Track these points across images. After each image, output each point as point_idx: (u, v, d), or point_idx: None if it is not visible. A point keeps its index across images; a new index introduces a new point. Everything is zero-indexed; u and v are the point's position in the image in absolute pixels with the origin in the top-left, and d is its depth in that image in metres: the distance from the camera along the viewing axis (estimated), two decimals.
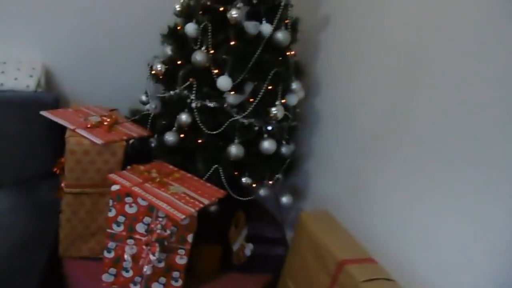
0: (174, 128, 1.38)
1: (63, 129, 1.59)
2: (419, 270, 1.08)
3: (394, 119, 1.24)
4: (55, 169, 1.33)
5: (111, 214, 1.18)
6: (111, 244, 1.22)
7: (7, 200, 1.45)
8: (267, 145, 1.38)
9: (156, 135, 1.47)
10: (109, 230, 1.20)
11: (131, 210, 1.18)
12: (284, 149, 1.50)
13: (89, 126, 1.27)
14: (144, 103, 1.58)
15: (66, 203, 1.26)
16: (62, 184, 1.29)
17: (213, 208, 1.45)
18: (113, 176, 1.19)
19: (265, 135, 1.40)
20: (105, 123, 1.32)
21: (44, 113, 1.31)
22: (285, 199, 1.57)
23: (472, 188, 0.97)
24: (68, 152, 1.20)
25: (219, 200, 1.40)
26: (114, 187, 1.16)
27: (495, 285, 0.91)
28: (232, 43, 1.32)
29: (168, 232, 1.18)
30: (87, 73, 1.78)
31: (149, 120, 1.49)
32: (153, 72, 1.45)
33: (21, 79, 1.58)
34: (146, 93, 1.57)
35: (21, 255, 1.21)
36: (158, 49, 1.58)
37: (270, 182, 1.53)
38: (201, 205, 1.17)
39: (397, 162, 1.21)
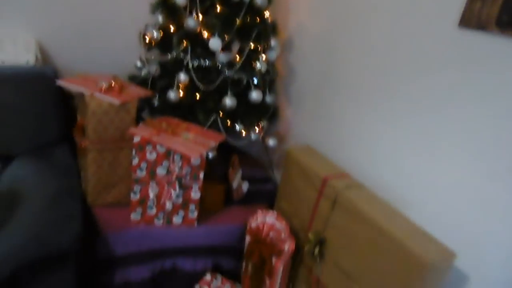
0: (174, 87, 1.60)
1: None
2: (382, 177, 1.42)
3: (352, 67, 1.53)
4: (74, 131, 1.52)
5: (135, 162, 1.41)
6: (137, 187, 1.46)
7: (27, 165, 1.61)
8: (255, 95, 1.64)
9: (157, 95, 1.67)
10: (134, 176, 1.43)
11: (151, 156, 1.41)
12: (268, 99, 1.76)
13: (102, 90, 1.46)
14: (140, 68, 1.76)
15: (91, 159, 1.46)
16: (82, 144, 1.49)
17: (211, 155, 1.72)
18: (133, 130, 1.40)
19: (252, 87, 1.65)
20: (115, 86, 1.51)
21: (60, 82, 1.47)
22: (271, 142, 1.85)
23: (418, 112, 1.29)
24: (90, 114, 1.39)
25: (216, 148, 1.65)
26: (136, 139, 1.38)
27: (442, 190, 1.24)
28: (219, 8, 1.53)
29: (184, 171, 1.44)
30: (80, 45, 1.90)
31: (149, 83, 1.69)
32: (148, 39, 1.63)
33: (20, 55, 1.71)
34: (140, 59, 1.75)
35: (61, 206, 1.41)
36: (146, 17, 1.75)
37: (258, 129, 1.80)
38: (209, 146, 1.43)
39: (356, 98, 1.51)
